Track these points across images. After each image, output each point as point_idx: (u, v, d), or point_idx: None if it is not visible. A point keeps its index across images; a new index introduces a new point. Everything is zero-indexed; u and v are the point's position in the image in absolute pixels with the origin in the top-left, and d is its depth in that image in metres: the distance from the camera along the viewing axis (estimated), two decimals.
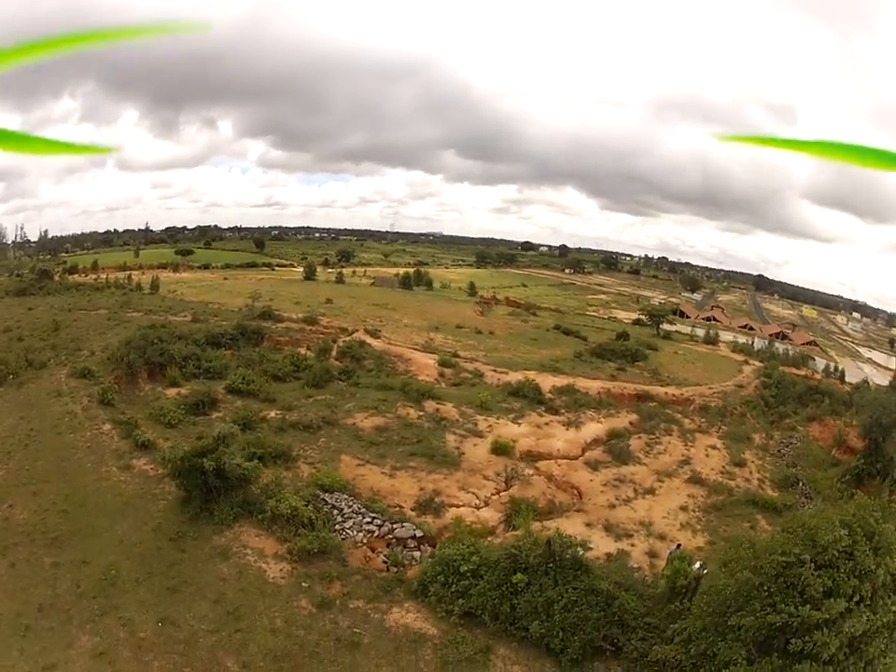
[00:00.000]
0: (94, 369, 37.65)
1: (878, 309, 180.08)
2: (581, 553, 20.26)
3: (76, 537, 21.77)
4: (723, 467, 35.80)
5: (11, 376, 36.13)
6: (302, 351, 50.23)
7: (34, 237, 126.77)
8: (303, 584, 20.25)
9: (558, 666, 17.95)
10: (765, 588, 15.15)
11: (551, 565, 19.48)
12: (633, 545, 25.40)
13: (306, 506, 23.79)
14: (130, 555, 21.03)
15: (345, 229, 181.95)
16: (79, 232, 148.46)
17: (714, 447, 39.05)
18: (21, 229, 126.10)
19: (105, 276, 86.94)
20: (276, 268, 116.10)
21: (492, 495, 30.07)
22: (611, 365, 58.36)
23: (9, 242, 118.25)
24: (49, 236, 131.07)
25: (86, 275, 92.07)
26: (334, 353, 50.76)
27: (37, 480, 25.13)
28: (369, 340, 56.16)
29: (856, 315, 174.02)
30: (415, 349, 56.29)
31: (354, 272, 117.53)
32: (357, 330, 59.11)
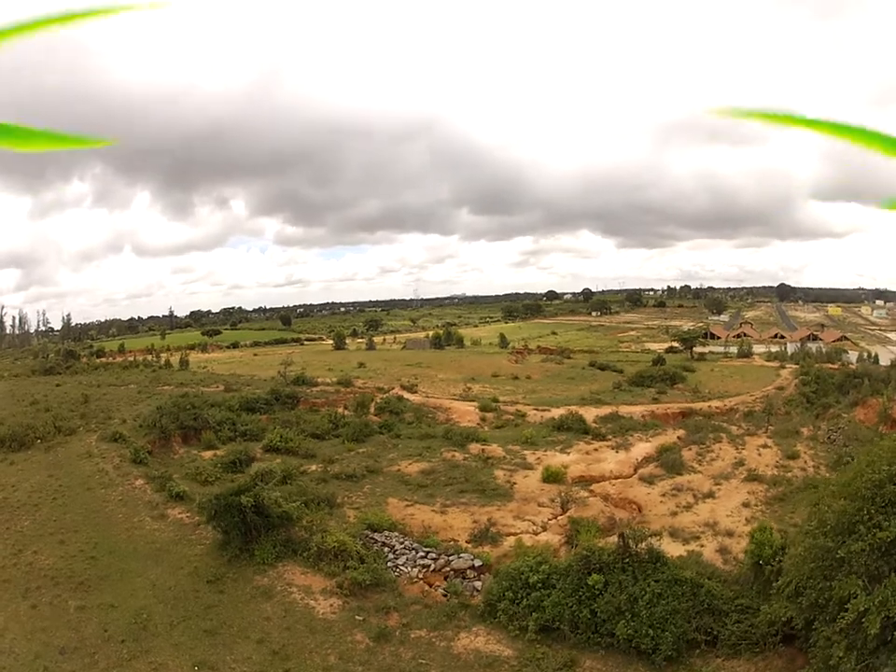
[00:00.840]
0: (126, 433, 35.56)
1: None
2: (656, 543, 17.82)
3: (104, 582, 19.78)
4: (777, 462, 34.04)
5: (39, 441, 33.77)
6: (340, 410, 48.49)
7: (56, 325, 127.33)
8: (357, 618, 17.90)
9: (652, 668, 15.39)
10: (865, 512, 13.01)
11: (627, 560, 17.02)
12: (702, 546, 23.10)
13: (354, 540, 21.68)
14: (163, 599, 18.91)
15: (369, 301, 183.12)
16: (103, 319, 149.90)
17: (765, 446, 37.31)
18: (44, 314, 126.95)
19: (132, 358, 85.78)
20: (305, 342, 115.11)
21: (549, 520, 27.92)
22: (651, 390, 56.74)
23: (32, 330, 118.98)
24: (73, 323, 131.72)
25: (113, 358, 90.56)
26: (372, 409, 49.04)
27: (66, 530, 23.27)
28: (406, 395, 54.66)
29: (879, 302, 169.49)
30: (454, 399, 54.72)
31: (384, 339, 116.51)
32: (394, 388, 57.41)
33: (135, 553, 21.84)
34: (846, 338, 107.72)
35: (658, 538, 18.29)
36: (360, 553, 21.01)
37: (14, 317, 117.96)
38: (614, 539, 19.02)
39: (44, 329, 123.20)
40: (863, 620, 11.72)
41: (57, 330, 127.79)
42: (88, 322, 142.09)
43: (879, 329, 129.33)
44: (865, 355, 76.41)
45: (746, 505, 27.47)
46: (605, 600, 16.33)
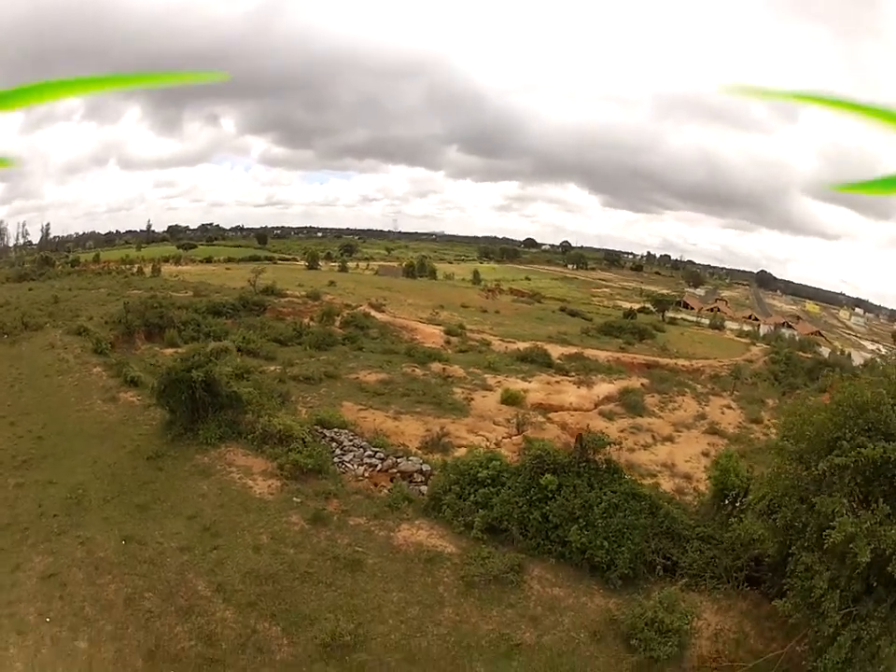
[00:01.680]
0: (90, 328, 34.15)
1: (880, 306, 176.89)
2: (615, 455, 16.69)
3: (46, 460, 18.74)
4: (740, 423, 33.25)
5: (6, 336, 32.73)
6: (306, 320, 46.81)
7: (36, 238, 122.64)
8: (295, 499, 16.57)
9: (606, 586, 14.23)
10: (847, 429, 11.80)
11: (583, 465, 15.84)
12: (658, 484, 22.01)
13: (302, 428, 20.34)
14: (100, 476, 17.76)
15: (348, 228, 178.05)
16: (81, 233, 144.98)
17: (729, 407, 36.65)
18: (24, 227, 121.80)
19: (106, 267, 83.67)
20: (279, 262, 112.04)
21: (503, 438, 26.81)
22: (619, 341, 55.80)
23: (11, 243, 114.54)
24: (51, 236, 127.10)
25: (87, 267, 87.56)
26: (338, 323, 47.43)
27: (17, 413, 22.34)
28: (373, 313, 53.12)
29: (858, 310, 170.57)
30: (420, 321, 53.43)
31: (357, 265, 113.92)
32: (361, 306, 55.76)
33: (81, 433, 20.98)
34: (820, 334, 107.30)
35: (618, 446, 17.02)
36: (306, 439, 19.66)
37: None
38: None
39: (23, 242, 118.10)
40: (851, 545, 10.60)
41: (35, 244, 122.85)
42: (66, 235, 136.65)
43: (855, 335, 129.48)
44: (839, 352, 75.99)
45: (705, 454, 26.50)
46: (557, 503, 15.08)
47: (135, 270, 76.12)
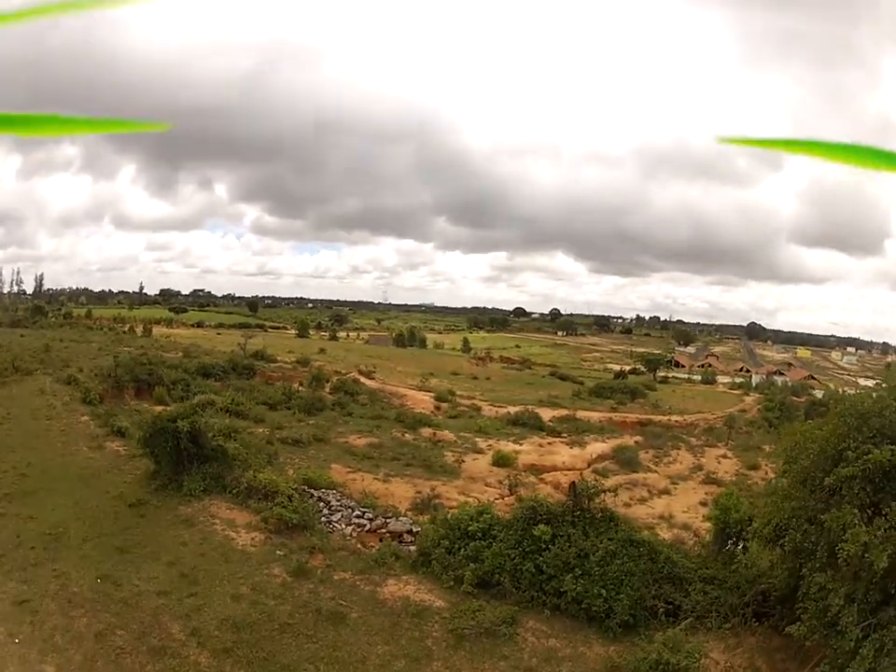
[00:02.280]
0: (80, 378, 34.06)
1: (871, 342, 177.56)
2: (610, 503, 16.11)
3: (28, 496, 18.46)
4: (737, 470, 32.74)
5: None
6: (295, 385, 46.41)
7: (30, 288, 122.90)
8: (278, 552, 15.82)
9: (605, 635, 13.45)
10: (852, 439, 11.41)
11: (577, 514, 15.22)
12: (657, 535, 21.31)
13: (288, 485, 19.71)
14: (81, 517, 17.41)
15: (338, 299, 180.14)
16: (75, 287, 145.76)
17: (725, 456, 36.07)
18: (18, 274, 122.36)
19: (98, 323, 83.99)
20: (269, 329, 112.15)
21: (495, 499, 25.94)
22: (610, 401, 55.38)
23: (5, 291, 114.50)
24: (45, 288, 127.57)
25: (80, 321, 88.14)
26: (327, 388, 47.03)
27: (2, 449, 22.30)
28: (363, 379, 52.75)
29: (850, 349, 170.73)
30: (410, 388, 53.07)
31: (347, 334, 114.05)
32: (351, 372, 55.39)
33: (66, 475, 20.67)
34: (813, 377, 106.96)
35: (613, 493, 16.46)
36: (292, 496, 19.00)
37: None
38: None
39: (17, 290, 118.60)
40: (866, 554, 10.05)
41: (29, 294, 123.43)
42: (59, 288, 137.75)
43: (849, 374, 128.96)
44: (838, 390, 75.59)
45: (703, 504, 25.67)
46: (552, 554, 14.39)
47: (127, 328, 76.19)
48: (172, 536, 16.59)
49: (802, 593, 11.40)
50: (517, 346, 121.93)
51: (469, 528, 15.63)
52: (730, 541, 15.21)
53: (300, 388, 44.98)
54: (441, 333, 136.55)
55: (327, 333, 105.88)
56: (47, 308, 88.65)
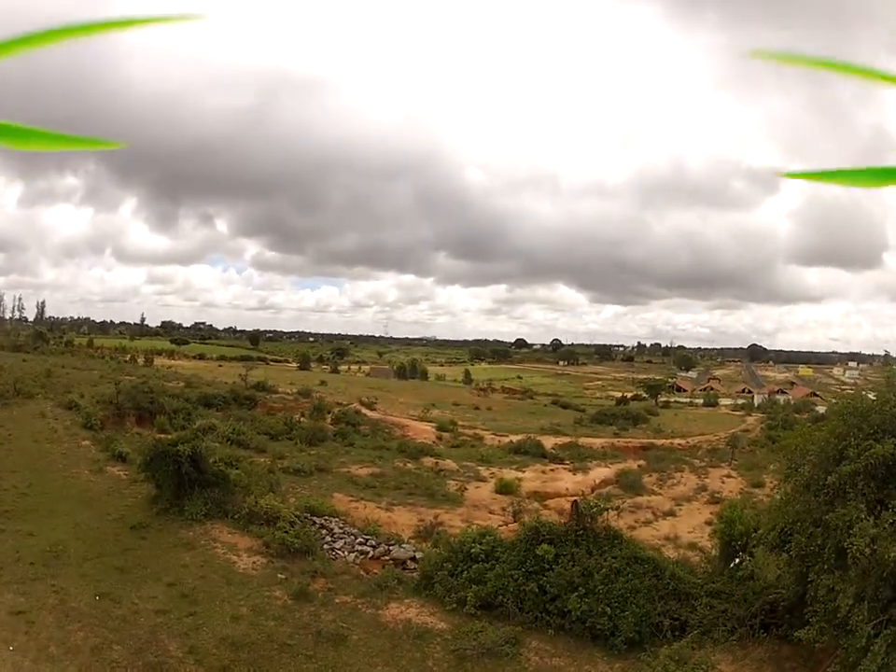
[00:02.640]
0: (82, 404, 34.21)
1: (873, 355, 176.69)
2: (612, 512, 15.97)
3: (28, 514, 18.47)
4: (742, 489, 32.44)
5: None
6: (296, 416, 46.39)
7: (31, 315, 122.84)
8: (279, 576, 15.64)
9: (610, 653, 13.22)
10: (853, 437, 11.36)
11: (581, 533, 15.09)
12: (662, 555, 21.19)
13: (290, 512, 19.61)
14: (82, 537, 17.38)
15: (339, 333, 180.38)
16: (76, 317, 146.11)
17: (729, 476, 36.01)
18: (20, 300, 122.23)
19: (101, 350, 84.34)
20: (271, 363, 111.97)
21: (499, 526, 25.76)
22: (612, 428, 55.41)
23: (7, 316, 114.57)
24: (46, 315, 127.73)
25: (81, 349, 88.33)
26: (329, 420, 47.02)
27: (3, 469, 22.32)
28: (364, 410, 52.82)
29: (852, 364, 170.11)
30: (412, 419, 53.12)
31: (349, 367, 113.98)
32: (353, 404, 55.41)
33: (66, 497, 20.70)
34: (815, 394, 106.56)
35: (616, 511, 16.34)
36: (294, 522, 18.88)
37: None
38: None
39: (18, 316, 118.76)
40: (875, 549, 9.96)
41: (30, 321, 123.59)
42: (61, 317, 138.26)
43: (851, 388, 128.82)
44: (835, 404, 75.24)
45: (709, 524, 25.26)
46: (555, 573, 14.22)
47: (128, 358, 76.34)
48: (173, 558, 16.49)
49: (810, 596, 11.26)
50: (518, 377, 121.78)
51: (472, 550, 15.49)
52: (736, 555, 15.06)
53: (301, 419, 44.93)
54: (442, 366, 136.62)
55: (328, 366, 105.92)
56: (48, 335, 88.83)
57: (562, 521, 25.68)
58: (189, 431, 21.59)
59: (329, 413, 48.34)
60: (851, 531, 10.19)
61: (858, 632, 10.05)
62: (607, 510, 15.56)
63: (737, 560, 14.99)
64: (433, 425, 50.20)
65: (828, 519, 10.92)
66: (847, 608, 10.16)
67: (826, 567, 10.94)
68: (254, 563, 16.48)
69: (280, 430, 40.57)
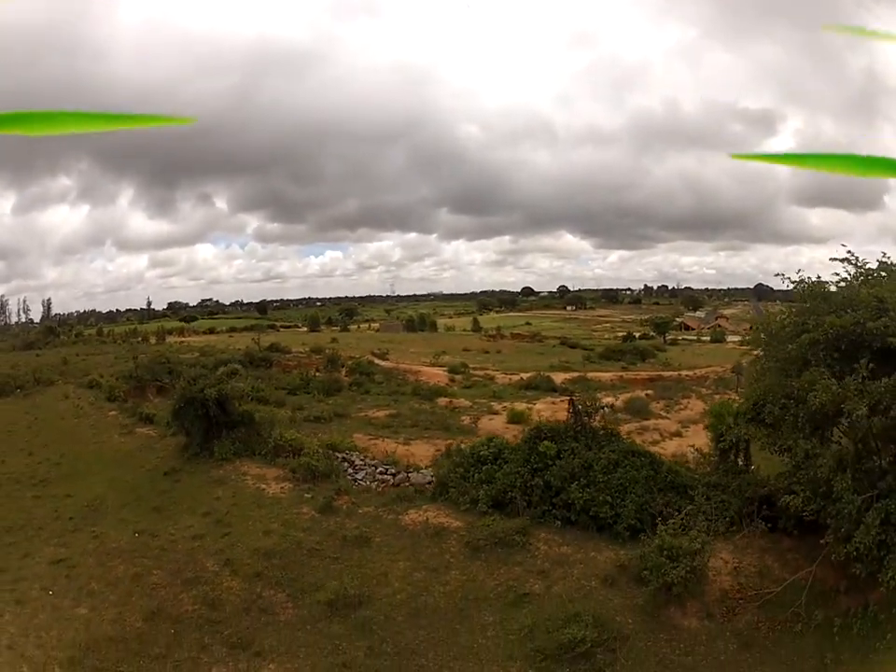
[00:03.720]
0: (102, 382, 35.33)
1: None
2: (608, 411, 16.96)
3: (64, 479, 19.66)
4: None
5: (18, 389, 34.07)
6: (312, 371, 47.39)
7: (37, 317, 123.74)
8: (306, 495, 16.93)
9: (615, 540, 14.28)
10: (813, 313, 12.11)
11: (579, 429, 16.08)
12: None
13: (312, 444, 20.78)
14: (118, 489, 18.51)
15: (346, 296, 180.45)
16: (83, 310, 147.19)
17: (734, 400, 36.11)
18: (25, 303, 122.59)
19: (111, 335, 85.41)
20: (281, 329, 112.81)
21: None
22: (621, 363, 55.83)
23: (13, 321, 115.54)
24: (53, 314, 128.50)
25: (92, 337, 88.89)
26: (343, 372, 47.97)
27: (35, 446, 23.41)
28: (377, 361, 53.67)
29: None
30: (424, 365, 53.96)
31: (358, 326, 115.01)
32: (365, 356, 56.30)
33: (99, 459, 21.74)
34: None
35: (611, 408, 17.31)
36: (317, 452, 20.02)
37: None
38: None
39: (24, 319, 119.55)
40: (843, 406, 10.62)
41: (37, 322, 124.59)
42: (67, 313, 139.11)
43: None
44: None
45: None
46: (557, 467, 15.29)
47: (140, 339, 77.06)
48: (205, 493, 17.61)
49: (793, 464, 12.08)
50: (527, 323, 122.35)
51: (481, 454, 16.59)
52: (731, 452, 15.84)
53: (316, 374, 45.92)
54: (451, 318, 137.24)
55: (338, 327, 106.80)
56: (59, 329, 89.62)
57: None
58: (215, 377, 22.47)
59: (342, 366, 49.22)
60: (815, 388, 10.91)
61: (843, 499, 10.80)
62: (602, 408, 16.49)
63: (732, 456, 15.85)
64: (445, 369, 50.95)
65: (794, 385, 11.65)
66: (828, 471, 10.92)
67: (803, 435, 11.71)
68: (282, 488, 17.70)
69: (297, 385, 41.51)
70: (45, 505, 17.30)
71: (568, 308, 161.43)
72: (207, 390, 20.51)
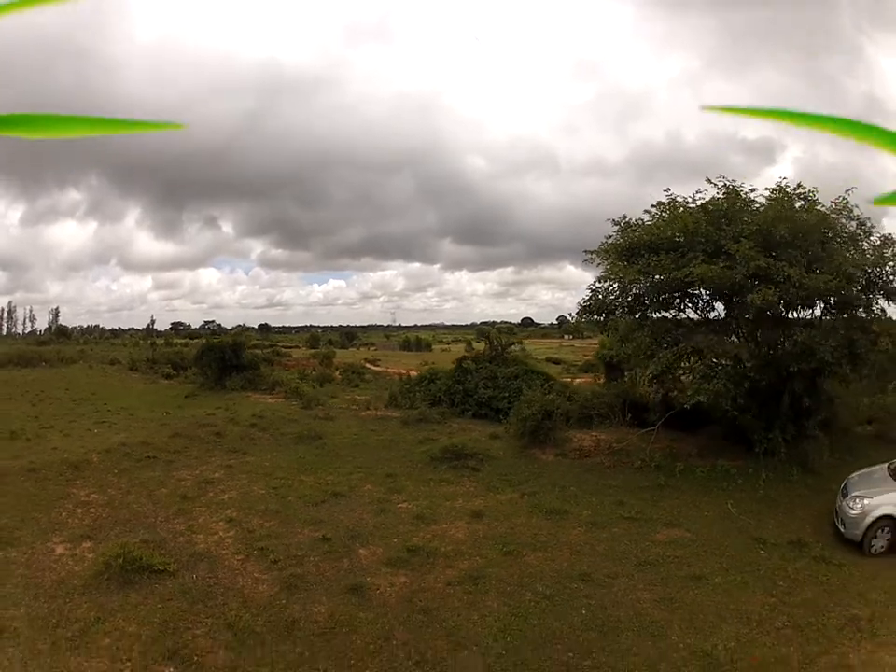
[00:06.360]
0: (122, 360, 42.17)
1: None
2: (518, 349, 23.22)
3: (99, 399, 25.91)
4: None
5: (44, 363, 40.26)
6: (309, 370, 53.63)
7: (42, 327, 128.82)
8: (293, 402, 23.91)
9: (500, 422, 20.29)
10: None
11: (493, 355, 22.49)
12: None
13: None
14: (146, 402, 25.27)
15: (348, 325, 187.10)
16: (86, 325, 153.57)
17: None
18: (31, 311, 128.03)
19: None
20: (282, 349, 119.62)
21: None
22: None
23: (20, 331, 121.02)
24: (60, 322, 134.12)
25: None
26: (337, 374, 54.10)
27: (72, 388, 29.46)
28: (369, 365, 59.70)
29: None
30: (414, 370, 59.77)
31: (358, 348, 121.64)
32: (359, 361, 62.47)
33: (127, 397, 27.40)
34: None
35: (520, 343, 23.71)
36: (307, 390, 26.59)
37: (3, 309, 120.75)
38: None
39: (30, 328, 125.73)
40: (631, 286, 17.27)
41: (42, 332, 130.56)
42: (72, 327, 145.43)
43: None
44: None
45: None
46: (474, 377, 21.81)
47: (150, 343, 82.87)
48: (218, 402, 24.41)
49: (618, 338, 18.01)
50: (522, 349, 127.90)
51: (423, 377, 23.04)
52: (617, 375, 21.93)
53: (313, 371, 52.22)
54: (448, 343, 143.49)
55: (336, 349, 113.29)
56: (70, 331, 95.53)
57: None
58: (230, 336, 28.96)
59: (336, 368, 55.48)
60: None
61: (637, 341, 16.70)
62: (512, 343, 22.89)
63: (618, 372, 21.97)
64: (430, 365, 56.67)
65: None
66: (625, 327, 17.09)
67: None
68: (276, 401, 24.50)
69: (295, 379, 47.99)
70: (87, 407, 23.67)
71: (566, 337, 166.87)
72: (224, 337, 27.00)
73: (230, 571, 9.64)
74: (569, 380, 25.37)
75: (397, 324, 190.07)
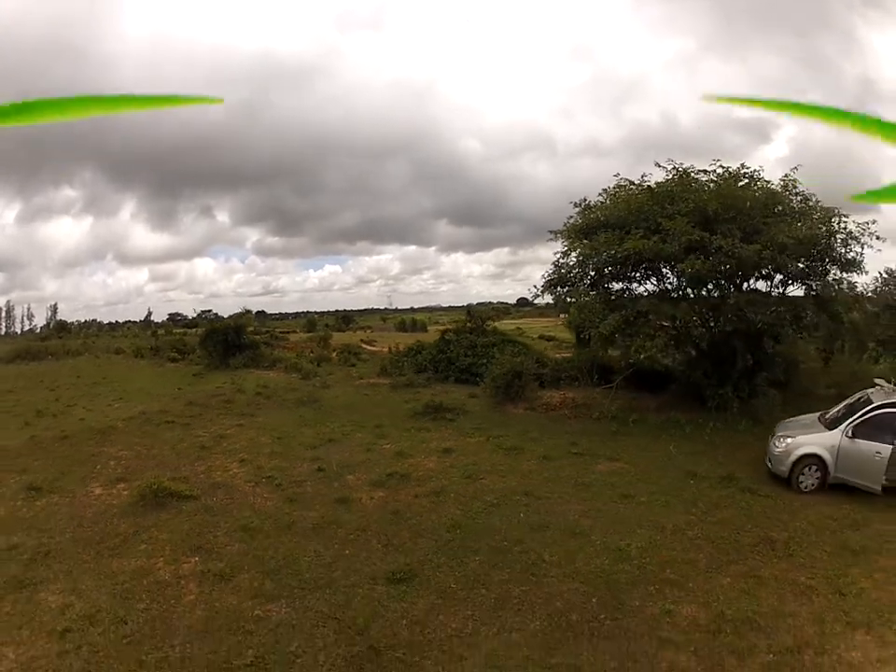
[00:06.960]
0: (126, 350, 44.19)
1: None
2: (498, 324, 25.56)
3: (111, 382, 28.00)
4: None
5: (51, 356, 42.08)
6: (307, 352, 55.92)
7: (41, 323, 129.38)
8: (293, 375, 26.47)
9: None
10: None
11: (473, 327, 24.83)
12: None
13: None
14: (159, 381, 27.57)
15: (344, 309, 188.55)
16: (83, 320, 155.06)
17: None
18: (29, 309, 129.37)
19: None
20: (280, 335, 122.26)
21: None
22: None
23: (18, 329, 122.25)
24: (58, 318, 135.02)
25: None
26: (334, 356, 56.34)
27: (82, 375, 31.59)
28: (365, 346, 61.94)
29: None
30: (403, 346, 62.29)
31: (355, 331, 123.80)
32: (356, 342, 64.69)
33: (140, 379, 29.41)
34: None
35: (495, 317, 26.06)
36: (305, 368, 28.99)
37: (1, 309, 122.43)
38: None
39: (28, 326, 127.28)
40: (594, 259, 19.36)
41: (42, 327, 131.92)
42: (70, 322, 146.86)
43: None
44: None
45: None
46: (456, 347, 24.20)
47: (150, 333, 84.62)
48: (224, 378, 26.78)
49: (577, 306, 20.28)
50: (518, 329, 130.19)
51: (410, 349, 25.37)
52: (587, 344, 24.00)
53: (311, 353, 54.49)
54: (444, 325, 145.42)
55: (333, 332, 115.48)
56: (70, 326, 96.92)
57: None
58: (231, 319, 31.29)
59: (333, 350, 57.73)
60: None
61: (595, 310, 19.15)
62: (491, 317, 25.19)
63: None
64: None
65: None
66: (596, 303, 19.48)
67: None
68: (278, 375, 26.96)
69: (293, 359, 50.39)
70: (103, 388, 25.99)
71: (561, 316, 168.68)
72: (227, 320, 29.35)
73: (243, 494, 12.07)
74: (556, 355, 27.62)
75: (393, 307, 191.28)
